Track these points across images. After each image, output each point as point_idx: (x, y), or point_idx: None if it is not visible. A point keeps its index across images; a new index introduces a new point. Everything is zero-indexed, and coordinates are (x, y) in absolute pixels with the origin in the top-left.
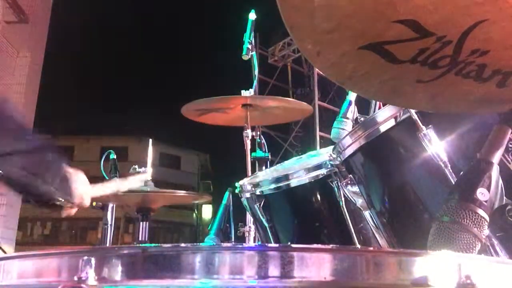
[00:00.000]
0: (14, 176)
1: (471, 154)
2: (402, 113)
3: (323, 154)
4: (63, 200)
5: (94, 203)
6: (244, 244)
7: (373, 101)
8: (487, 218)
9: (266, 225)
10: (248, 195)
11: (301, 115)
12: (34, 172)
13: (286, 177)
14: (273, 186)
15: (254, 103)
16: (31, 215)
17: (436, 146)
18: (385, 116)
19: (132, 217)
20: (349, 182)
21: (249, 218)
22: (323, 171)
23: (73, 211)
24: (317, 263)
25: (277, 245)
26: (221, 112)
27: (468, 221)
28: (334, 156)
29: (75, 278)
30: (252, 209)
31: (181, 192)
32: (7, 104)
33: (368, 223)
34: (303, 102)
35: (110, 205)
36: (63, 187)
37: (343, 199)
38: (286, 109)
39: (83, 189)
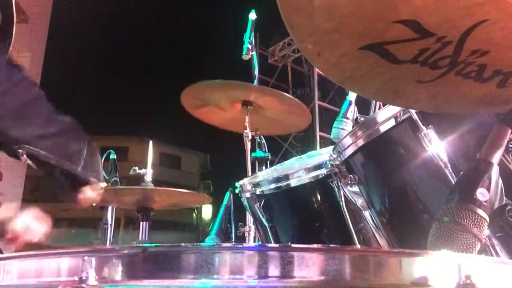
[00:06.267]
0: (42, 159)
1: (471, 154)
2: (402, 113)
3: (323, 154)
4: (92, 179)
5: (93, 204)
6: (244, 244)
7: (373, 101)
8: (487, 218)
9: (266, 225)
10: (248, 195)
11: (300, 124)
12: (61, 154)
13: (286, 177)
14: (273, 186)
15: (254, 101)
16: None
17: (436, 146)
18: (385, 116)
19: (132, 217)
20: (349, 182)
21: (249, 218)
22: (323, 171)
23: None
24: (317, 263)
25: (277, 245)
26: (220, 109)
27: (468, 221)
28: (334, 156)
29: (76, 278)
30: (252, 209)
31: (182, 190)
32: (36, 88)
33: (368, 223)
34: (301, 103)
35: (110, 206)
36: (91, 165)
37: (343, 199)
38: (285, 112)
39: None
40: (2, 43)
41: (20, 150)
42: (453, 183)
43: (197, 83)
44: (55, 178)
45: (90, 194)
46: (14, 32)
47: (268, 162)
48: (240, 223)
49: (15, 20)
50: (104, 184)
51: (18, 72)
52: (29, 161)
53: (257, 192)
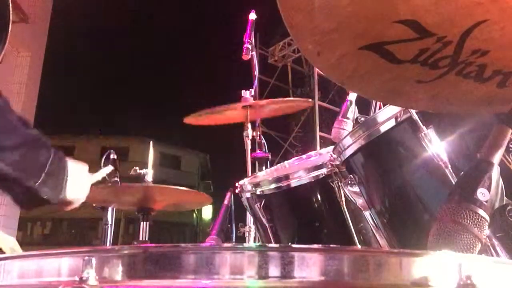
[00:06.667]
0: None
1: (472, 154)
2: (402, 113)
3: (324, 154)
4: (51, 198)
5: (94, 204)
6: (244, 244)
7: (373, 101)
8: (488, 218)
9: (267, 225)
10: (248, 195)
11: (302, 107)
12: (20, 168)
13: (286, 177)
14: (273, 186)
15: (255, 105)
16: (31, 215)
17: (437, 146)
18: (386, 116)
19: (132, 218)
20: (349, 182)
21: (249, 218)
22: (323, 171)
23: (69, 207)
24: (317, 263)
25: (277, 245)
26: (221, 113)
27: (468, 221)
28: (335, 156)
29: (76, 278)
30: (253, 209)
31: (182, 188)
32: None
33: (368, 223)
34: (303, 99)
35: (111, 206)
36: (53, 184)
37: (343, 199)
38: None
39: (79, 187)
40: None
41: None
42: (453, 183)
43: (196, 112)
44: (11, 193)
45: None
46: (8, 36)
47: (268, 162)
48: (240, 223)
49: (10, 24)
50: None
51: None
52: None
53: (257, 192)
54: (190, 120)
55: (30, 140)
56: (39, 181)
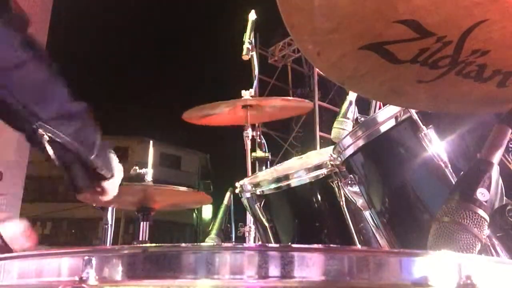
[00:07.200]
0: (62, 143)
1: (472, 154)
2: (402, 113)
3: (324, 154)
4: (105, 173)
5: (94, 204)
6: (244, 244)
7: (373, 101)
8: (487, 218)
9: (267, 225)
10: (248, 195)
11: (302, 111)
12: (79, 140)
13: (286, 177)
14: (273, 186)
15: (255, 104)
16: (31, 215)
17: (437, 146)
18: (386, 116)
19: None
20: (349, 182)
21: (249, 218)
22: (323, 171)
23: (106, 197)
24: (317, 263)
25: (277, 245)
26: (221, 113)
27: (468, 221)
28: (335, 156)
29: (76, 278)
30: (253, 209)
31: (182, 188)
32: (52, 68)
33: (368, 223)
34: (303, 99)
35: (110, 206)
36: (104, 159)
37: (343, 199)
38: (286, 107)
39: (118, 165)
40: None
41: (40, 130)
42: (453, 183)
43: (195, 107)
44: (70, 170)
45: (107, 187)
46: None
47: (268, 162)
48: (240, 223)
49: None
50: (118, 179)
51: (35, 49)
52: (49, 149)
53: (257, 192)
54: (188, 116)
55: (84, 113)
56: (94, 155)
